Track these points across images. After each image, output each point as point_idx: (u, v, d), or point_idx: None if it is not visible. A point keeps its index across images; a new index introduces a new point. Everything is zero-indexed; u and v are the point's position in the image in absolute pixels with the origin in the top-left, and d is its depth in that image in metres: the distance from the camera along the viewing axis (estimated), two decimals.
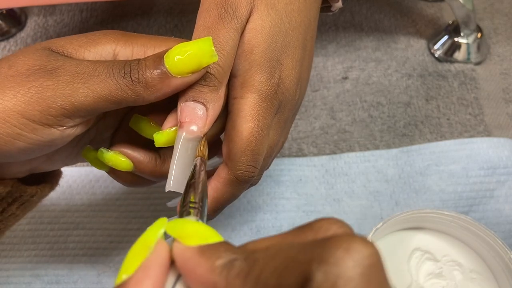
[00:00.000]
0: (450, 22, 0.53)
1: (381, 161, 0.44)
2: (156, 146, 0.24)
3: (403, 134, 0.47)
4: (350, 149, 0.46)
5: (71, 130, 0.23)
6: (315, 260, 0.13)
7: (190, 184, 0.22)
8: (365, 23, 0.56)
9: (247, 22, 0.24)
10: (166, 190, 0.24)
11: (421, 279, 0.33)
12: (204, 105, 0.23)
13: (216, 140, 0.28)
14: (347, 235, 0.14)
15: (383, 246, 0.34)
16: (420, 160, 0.43)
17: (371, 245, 0.14)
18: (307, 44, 0.27)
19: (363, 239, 0.14)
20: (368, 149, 0.46)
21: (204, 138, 0.25)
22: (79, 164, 0.45)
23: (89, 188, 0.43)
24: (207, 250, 0.16)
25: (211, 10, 0.24)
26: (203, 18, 0.24)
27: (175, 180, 0.24)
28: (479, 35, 0.52)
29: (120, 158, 0.26)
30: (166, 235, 0.17)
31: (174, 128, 0.24)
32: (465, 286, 0.33)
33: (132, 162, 0.26)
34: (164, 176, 0.26)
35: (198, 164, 0.23)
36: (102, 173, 0.44)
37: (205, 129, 0.24)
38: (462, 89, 0.50)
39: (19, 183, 0.27)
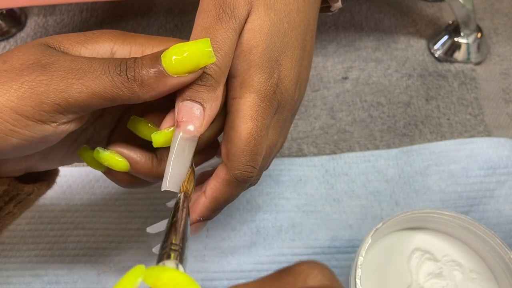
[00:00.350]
0: (450, 22, 0.53)
1: (381, 161, 0.44)
2: (154, 146, 0.24)
3: (403, 134, 0.47)
4: (350, 149, 0.46)
5: (64, 127, 0.23)
6: None
7: (172, 223, 0.22)
8: (365, 23, 0.56)
9: (245, 23, 0.24)
10: (162, 189, 0.24)
11: (421, 279, 0.33)
12: (201, 104, 0.23)
13: (215, 140, 0.28)
14: None
15: (383, 246, 0.34)
16: (420, 160, 0.43)
17: None
18: (306, 44, 0.27)
19: None
20: (368, 149, 0.46)
21: (189, 171, 0.25)
22: (79, 164, 0.45)
23: (89, 188, 0.43)
24: None
25: (209, 10, 0.24)
26: (201, 19, 0.24)
27: (171, 180, 0.24)
28: (479, 35, 0.52)
29: (116, 158, 0.26)
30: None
31: (172, 128, 0.24)
32: (465, 286, 0.33)
33: (129, 162, 0.26)
34: (160, 177, 0.26)
35: (181, 200, 0.23)
36: (100, 175, 0.44)
37: (202, 129, 0.23)
38: (462, 89, 0.50)
39: (16, 181, 0.26)
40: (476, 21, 0.51)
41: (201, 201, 0.27)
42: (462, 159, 0.42)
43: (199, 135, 0.24)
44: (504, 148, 0.42)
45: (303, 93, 0.29)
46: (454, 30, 0.51)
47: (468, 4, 0.48)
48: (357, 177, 0.43)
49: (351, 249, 0.39)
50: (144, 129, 0.26)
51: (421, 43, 0.54)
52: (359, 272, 0.30)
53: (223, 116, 0.26)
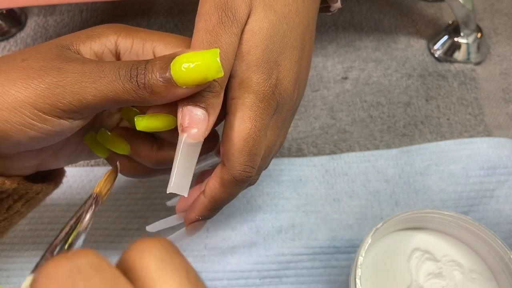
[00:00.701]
0: (450, 22, 0.53)
1: (381, 161, 0.44)
2: (137, 129, 0.25)
3: (403, 134, 0.47)
4: (350, 149, 0.46)
5: (79, 122, 0.24)
6: None
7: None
8: (365, 23, 0.56)
9: (245, 24, 0.24)
10: (168, 192, 0.24)
11: (421, 279, 0.33)
12: (206, 110, 0.23)
13: (212, 137, 0.28)
14: None
15: (383, 246, 0.34)
16: (420, 160, 0.43)
17: None
18: (305, 45, 0.27)
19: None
20: (368, 149, 0.46)
21: (108, 172, 0.26)
22: (79, 164, 0.45)
23: (89, 188, 0.43)
24: None
25: (212, 13, 0.24)
26: (203, 21, 0.24)
27: (176, 183, 0.24)
28: (479, 35, 0.52)
29: (118, 139, 0.28)
30: None
31: (156, 114, 0.25)
32: (465, 286, 0.33)
33: (129, 144, 0.28)
34: (159, 163, 0.28)
35: (88, 202, 0.25)
36: (102, 173, 0.44)
37: (206, 134, 0.24)
38: (462, 89, 0.50)
39: (25, 180, 0.27)
40: (476, 21, 0.51)
41: (200, 201, 0.27)
42: (462, 159, 0.42)
43: (203, 139, 0.24)
44: (504, 148, 0.42)
45: (302, 93, 0.29)
46: (454, 30, 0.51)
47: (468, 4, 0.48)
48: (357, 177, 0.43)
49: (351, 249, 0.39)
50: (132, 114, 0.28)
51: (421, 43, 0.54)
52: (359, 272, 0.30)
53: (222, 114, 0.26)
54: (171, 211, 0.31)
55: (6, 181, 0.26)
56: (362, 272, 0.30)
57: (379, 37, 0.55)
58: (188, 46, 0.25)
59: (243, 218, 0.41)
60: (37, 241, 0.40)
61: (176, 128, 0.25)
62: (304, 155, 0.45)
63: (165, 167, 0.29)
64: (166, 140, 0.28)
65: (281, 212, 0.41)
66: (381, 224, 0.32)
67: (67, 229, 0.23)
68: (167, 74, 0.22)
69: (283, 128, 0.28)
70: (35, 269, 0.19)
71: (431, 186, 0.42)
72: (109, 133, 0.28)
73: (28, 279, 0.16)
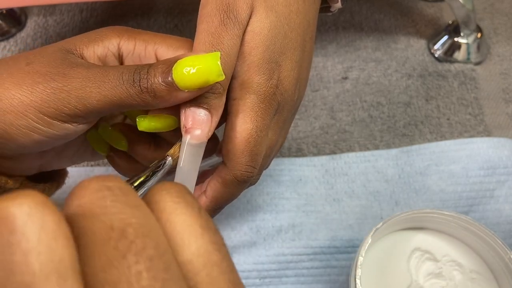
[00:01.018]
0: (450, 22, 0.53)
1: (381, 161, 0.44)
2: (139, 129, 0.25)
3: (403, 134, 0.47)
4: (350, 149, 0.46)
5: (83, 126, 0.24)
6: None
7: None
8: (365, 23, 0.56)
9: (247, 25, 0.25)
10: None
11: (421, 279, 0.33)
12: (209, 111, 0.24)
13: (212, 141, 0.29)
14: None
15: (383, 246, 0.34)
16: (420, 160, 0.43)
17: None
18: (306, 45, 0.27)
19: None
20: (368, 149, 0.46)
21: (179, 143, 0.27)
22: (79, 164, 0.45)
23: None
24: None
25: (214, 15, 0.24)
26: (205, 23, 0.24)
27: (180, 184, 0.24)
28: (479, 35, 0.52)
29: (118, 134, 0.28)
30: None
31: (158, 114, 0.25)
32: (465, 286, 0.33)
33: (127, 139, 0.28)
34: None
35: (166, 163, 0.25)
36: (102, 173, 0.44)
37: (209, 134, 0.24)
38: (462, 89, 0.50)
39: (28, 180, 0.28)
40: (476, 21, 0.51)
41: (202, 201, 0.27)
42: (462, 159, 0.42)
43: (207, 140, 0.24)
44: (504, 148, 0.42)
45: (303, 93, 0.30)
46: (454, 30, 0.51)
47: (468, 4, 0.48)
48: (357, 177, 0.43)
49: (351, 249, 0.39)
50: (134, 112, 0.28)
51: (421, 43, 0.54)
52: (359, 272, 0.30)
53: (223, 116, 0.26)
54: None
55: (9, 180, 0.26)
56: (362, 272, 0.30)
57: (379, 37, 0.55)
58: (190, 48, 0.25)
59: (243, 218, 0.41)
60: None
61: (176, 129, 0.25)
62: (304, 155, 0.45)
63: None
64: (165, 140, 0.29)
65: (281, 212, 0.41)
66: (381, 224, 0.32)
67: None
68: (169, 78, 0.22)
69: (284, 128, 0.29)
70: None
71: (431, 186, 0.42)
72: (109, 127, 0.28)
73: None
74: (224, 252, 0.14)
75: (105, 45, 0.25)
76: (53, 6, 0.59)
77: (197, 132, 0.23)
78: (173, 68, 0.22)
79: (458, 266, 0.34)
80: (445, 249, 0.35)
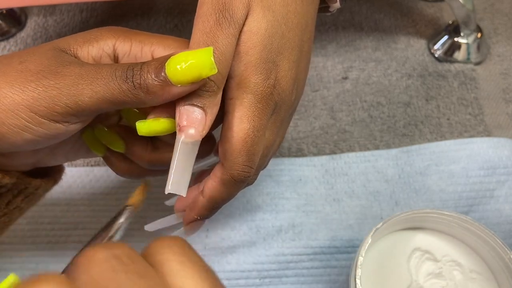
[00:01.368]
0: (450, 22, 0.53)
1: (381, 161, 0.44)
2: (139, 134, 0.25)
3: (403, 134, 0.47)
4: (350, 149, 0.46)
5: (75, 126, 0.24)
6: None
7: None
8: (365, 23, 0.56)
9: (243, 25, 0.24)
10: (166, 192, 0.24)
11: (421, 279, 0.33)
12: (203, 109, 0.24)
13: (208, 141, 0.29)
14: None
15: (383, 246, 0.34)
16: (420, 160, 0.43)
17: None
18: (304, 45, 0.27)
19: None
20: (368, 149, 0.46)
21: (142, 184, 0.27)
22: (79, 164, 0.45)
23: (89, 188, 0.43)
24: None
25: (209, 15, 0.24)
26: (201, 23, 0.24)
27: (174, 183, 0.24)
28: (479, 35, 0.52)
29: (115, 136, 0.28)
30: None
31: (157, 118, 0.25)
32: (465, 286, 0.33)
33: (124, 141, 0.28)
34: (152, 164, 0.28)
35: (123, 215, 0.25)
36: (102, 173, 0.44)
37: (204, 133, 0.24)
38: (462, 89, 0.50)
39: (24, 175, 0.28)
40: (476, 21, 0.51)
41: (199, 200, 0.27)
42: (462, 159, 0.42)
43: (200, 139, 0.24)
44: (504, 148, 0.42)
45: (301, 94, 0.29)
46: (454, 30, 0.51)
47: (468, 4, 0.48)
48: (357, 177, 0.43)
49: (351, 249, 0.39)
50: (132, 116, 0.28)
51: (421, 43, 0.54)
52: (359, 272, 0.30)
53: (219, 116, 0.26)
54: (169, 210, 0.31)
55: (5, 176, 0.26)
56: (362, 272, 0.30)
57: (379, 37, 0.55)
58: (187, 49, 0.25)
59: (242, 218, 0.41)
60: (37, 241, 0.40)
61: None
62: (304, 155, 0.45)
63: (160, 168, 0.29)
64: (163, 142, 0.28)
65: (281, 212, 0.41)
66: (381, 224, 0.32)
67: (98, 240, 0.23)
68: (162, 74, 0.22)
69: (281, 128, 0.28)
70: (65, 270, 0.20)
71: (431, 186, 0.42)
72: (106, 129, 0.28)
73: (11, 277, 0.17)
74: None
75: (100, 46, 0.25)
76: (53, 6, 0.59)
77: (191, 130, 0.23)
78: (166, 64, 0.22)
79: (458, 266, 0.34)
80: (445, 249, 0.34)
